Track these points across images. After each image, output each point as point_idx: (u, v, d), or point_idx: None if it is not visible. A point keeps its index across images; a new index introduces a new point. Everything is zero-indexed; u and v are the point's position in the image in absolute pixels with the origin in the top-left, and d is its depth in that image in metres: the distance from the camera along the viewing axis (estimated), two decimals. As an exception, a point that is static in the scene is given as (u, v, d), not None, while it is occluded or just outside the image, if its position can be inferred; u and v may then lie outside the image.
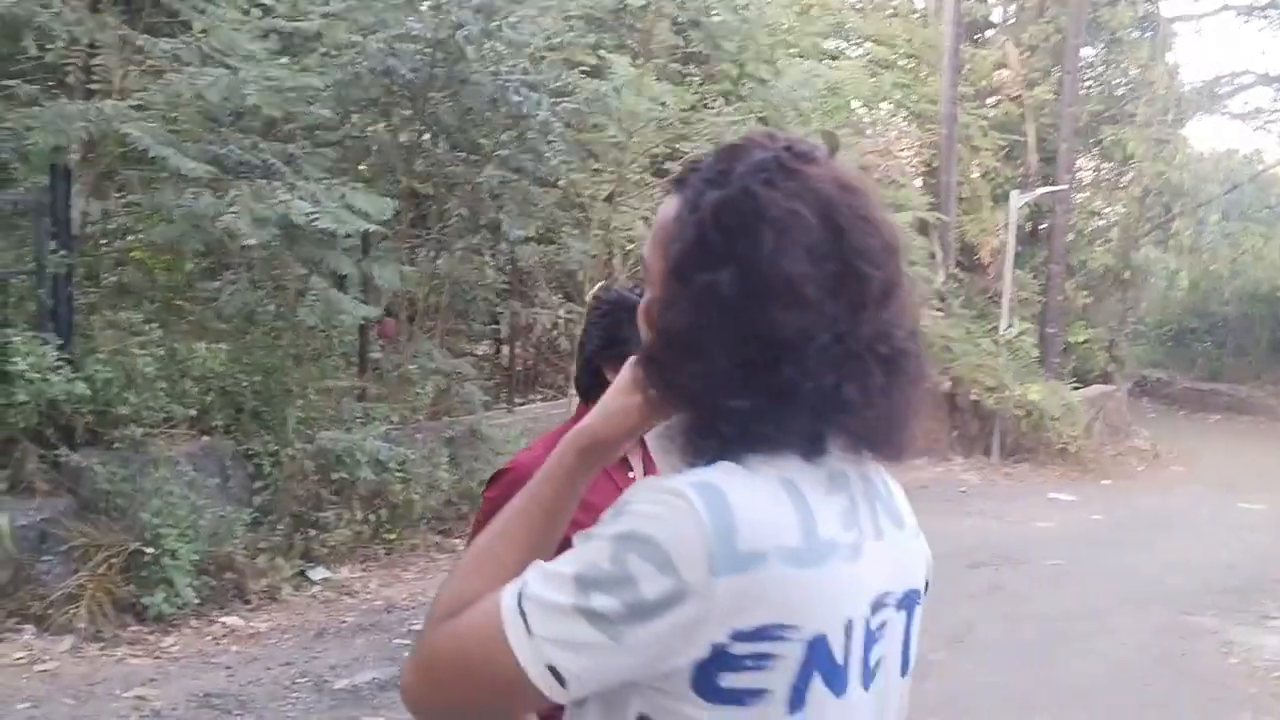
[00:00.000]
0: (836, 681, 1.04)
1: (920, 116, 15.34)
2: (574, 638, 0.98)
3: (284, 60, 6.95)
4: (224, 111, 6.68)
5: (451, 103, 7.30)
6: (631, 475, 2.23)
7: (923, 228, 13.60)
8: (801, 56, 12.57)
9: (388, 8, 6.92)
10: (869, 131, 14.00)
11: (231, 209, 5.73)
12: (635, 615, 0.97)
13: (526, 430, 7.71)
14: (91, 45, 6.60)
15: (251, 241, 6.12)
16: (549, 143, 7.57)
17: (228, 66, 6.53)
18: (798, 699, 1.01)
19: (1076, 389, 14.69)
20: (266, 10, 7.14)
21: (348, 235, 6.65)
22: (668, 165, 9.34)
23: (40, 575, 5.20)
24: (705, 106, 8.84)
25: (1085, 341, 17.25)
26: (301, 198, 5.99)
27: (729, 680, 0.99)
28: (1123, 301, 18.57)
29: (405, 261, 7.35)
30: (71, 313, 5.79)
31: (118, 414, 5.60)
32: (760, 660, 0.99)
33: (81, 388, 5.43)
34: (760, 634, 0.98)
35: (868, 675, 1.08)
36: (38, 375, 5.26)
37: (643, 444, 2.26)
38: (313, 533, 6.38)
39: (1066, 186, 15.84)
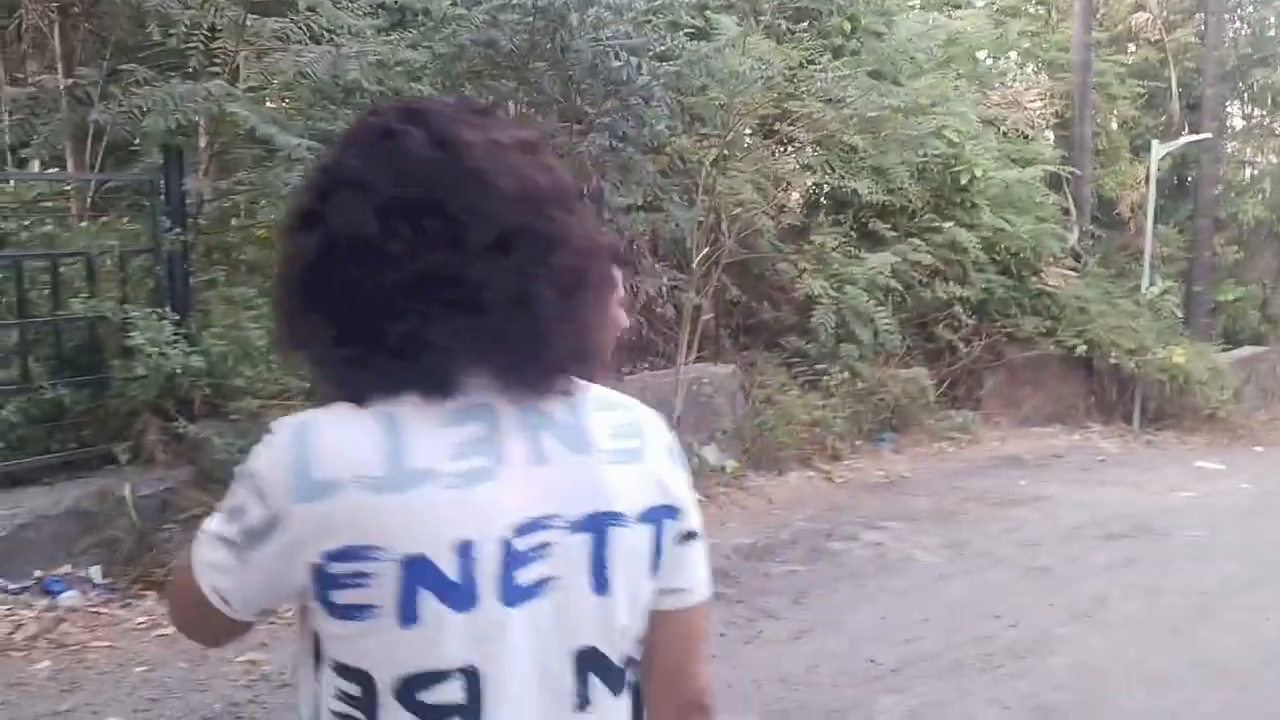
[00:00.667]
0: (456, 598, 1.13)
1: (1051, 65, 14.64)
2: (217, 562, 1.18)
3: (389, 36, 7.03)
4: (333, 89, 6.79)
5: (553, 71, 7.24)
6: None
7: (1055, 182, 13.01)
8: (921, 8, 12.15)
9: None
10: (995, 83, 13.42)
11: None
12: (250, 540, 1.15)
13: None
14: (212, 29, 6.79)
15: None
16: (652, 108, 7.45)
17: (334, 43, 6.63)
18: (408, 613, 1.13)
19: (1226, 350, 13.89)
20: (371, -14, 7.22)
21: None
22: (777, 126, 9.13)
23: (162, 543, 5.38)
24: (813, 63, 8.57)
25: (1236, 300, 16.27)
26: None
27: (338, 597, 1.13)
28: (1277, 257, 17.48)
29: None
30: (188, 289, 5.96)
31: (233, 386, 5.75)
32: (358, 578, 1.12)
33: (198, 361, 5.59)
34: (348, 554, 1.11)
35: (513, 592, 1.16)
36: (156, 350, 5.43)
37: None
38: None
39: (1212, 135, 14.94)
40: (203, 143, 6.81)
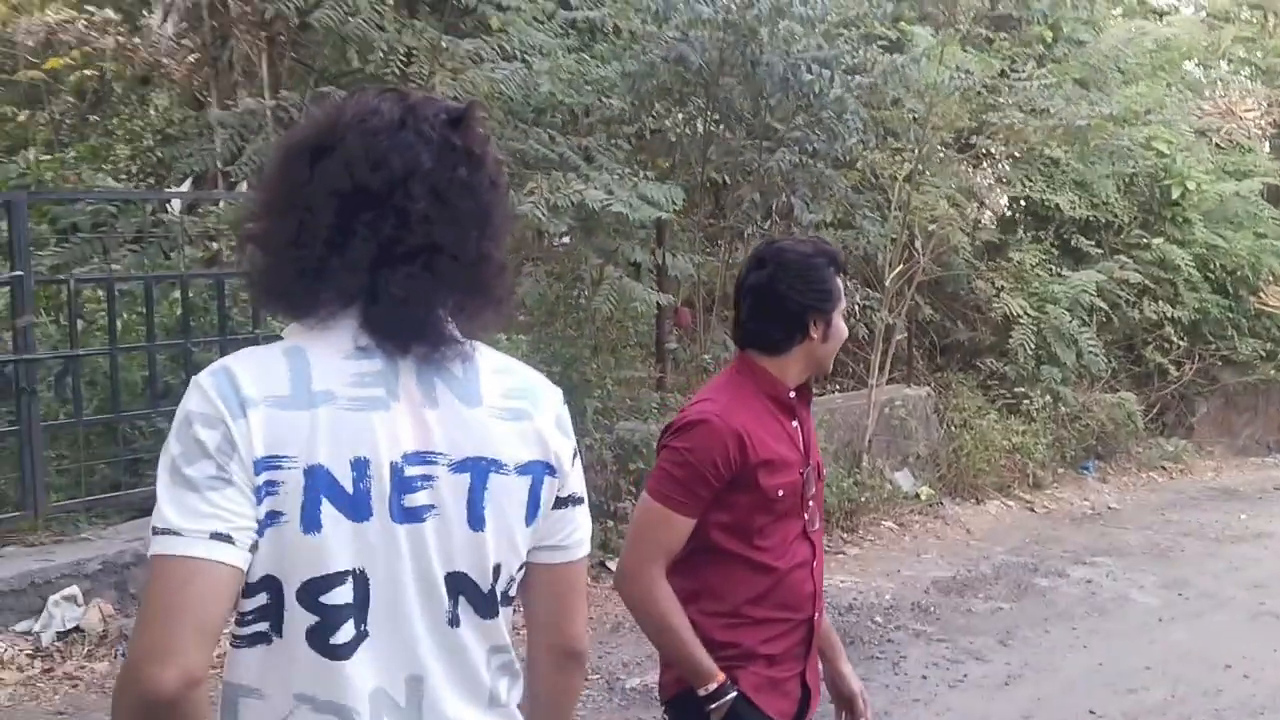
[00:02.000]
0: (351, 509, 1.29)
1: (1267, 73, 13.64)
2: (195, 507, 1.24)
3: (580, 54, 7.03)
4: (524, 108, 6.83)
5: (743, 86, 7.09)
6: (794, 425, 2.37)
7: (1275, 196, 12.07)
8: (1124, 15, 11.50)
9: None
10: (1206, 92, 12.56)
11: (530, 198, 5.78)
12: (223, 459, 1.26)
13: (823, 421, 7.39)
14: (408, 52, 6.93)
15: (561, 231, 6.19)
16: (843, 121, 7.21)
17: (525, 62, 6.66)
18: (312, 521, 1.27)
19: None
20: (563, 3, 7.24)
21: (642, 226, 6.59)
22: (973, 139, 8.74)
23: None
24: (1013, 72, 8.16)
25: None
26: (596, 187, 5.98)
27: (264, 506, 1.27)
28: None
29: (701, 251, 7.21)
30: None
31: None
32: (273, 486, 1.27)
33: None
34: (265, 463, 1.26)
35: (400, 512, 1.32)
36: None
37: (806, 403, 2.41)
38: (610, 524, 6.35)
39: None
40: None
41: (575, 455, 1.48)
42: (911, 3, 8.65)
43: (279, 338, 1.39)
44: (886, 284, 7.96)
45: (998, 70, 8.15)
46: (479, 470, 1.37)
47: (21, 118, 10.14)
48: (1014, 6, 8.98)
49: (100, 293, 5.67)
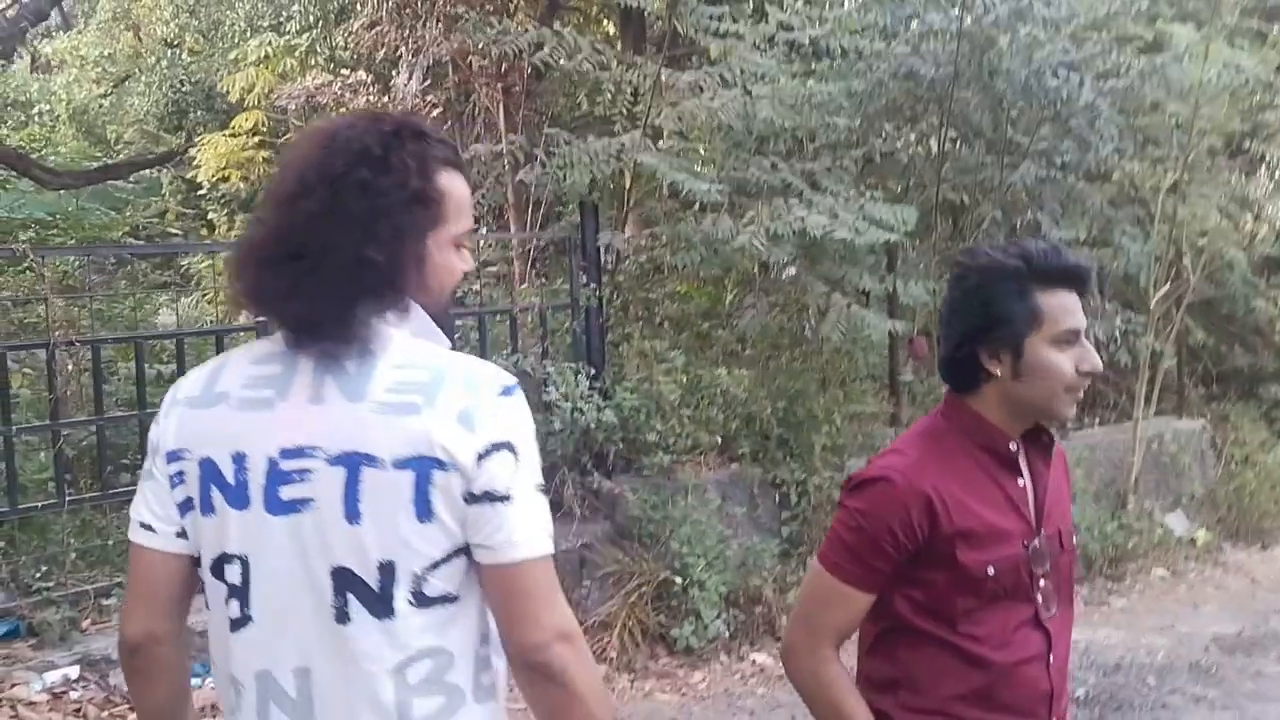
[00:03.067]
0: (234, 498, 1.45)
1: None
2: (138, 499, 1.53)
3: (800, 75, 6.79)
4: (746, 137, 6.65)
5: (981, 98, 6.64)
6: (1021, 483, 1.89)
7: None
8: None
9: (904, 5, 6.44)
10: None
11: (748, 228, 5.57)
12: (152, 456, 1.52)
13: (1081, 459, 6.75)
14: (635, 91, 6.90)
15: (785, 260, 5.95)
16: (1096, 130, 6.62)
17: (744, 88, 6.48)
18: (206, 505, 1.46)
19: None
20: (784, 26, 7.02)
21: (871, 251, 6.24)
22: (1247, 144, 7.88)
23: (580, 600, 5.32)
24: (1298, 65, 7.30)
25: None
26: (819, 212, 5.70)
27: (177, 493, 1.49)
28: None
29: (936, 277, 6.78)
30: (604, 343, 5.96)
31: (645, 441, 5.63)
32: (180, 476, 1.48)
33: (610, 416, 5.53)
34: (174, 455, 1.49)
35: (275, 504, 1.43)
36: (571, 404, 5.43)
37: (1043, 454, 1.92)
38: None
39: None
40: (602, 197, 6.91)
41: (495, 449, 1.40)
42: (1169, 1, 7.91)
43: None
44: (1151, 306, 7.25)
45: (1276, 65, 7.30)
46: (353, 465, 1.39)
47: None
48: (1292, -8, 8.07)
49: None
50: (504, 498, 1.41)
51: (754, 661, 5.32)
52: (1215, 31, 7.20)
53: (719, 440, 5.97)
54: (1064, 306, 1.83)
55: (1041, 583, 1.87)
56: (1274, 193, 8.75)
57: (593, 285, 5.83)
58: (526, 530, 1.42)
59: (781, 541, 5.89)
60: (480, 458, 1.39)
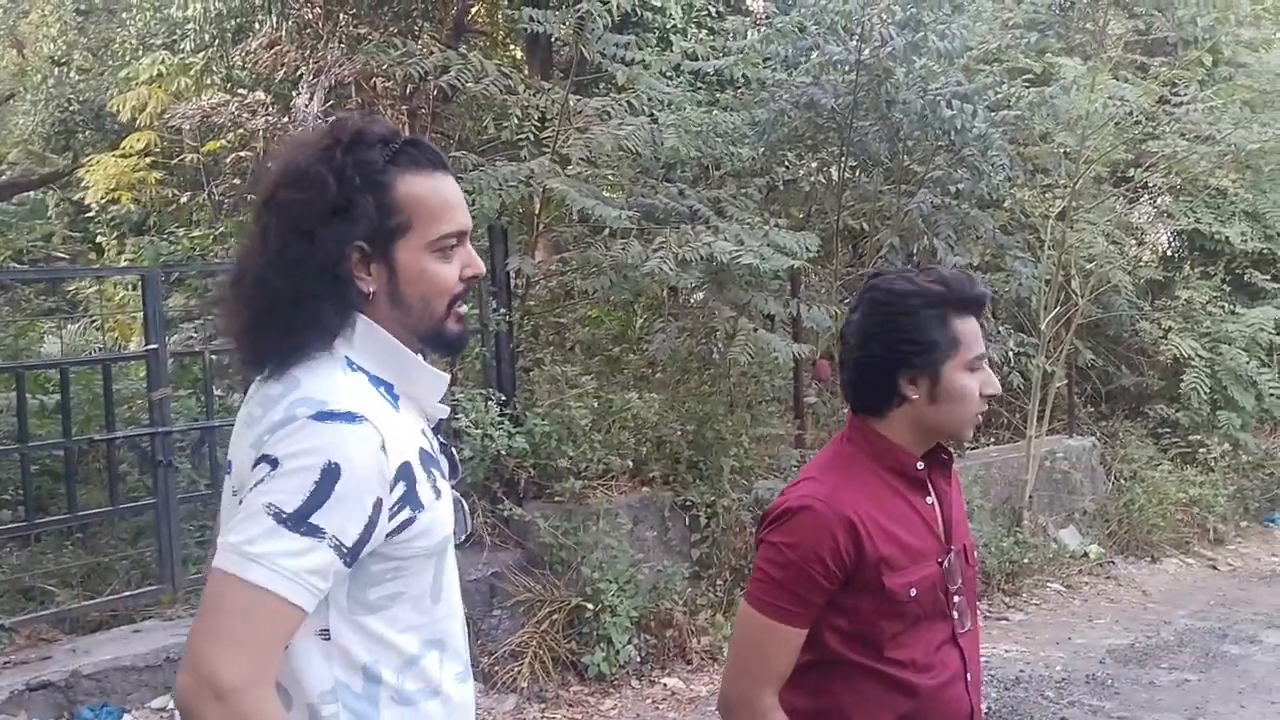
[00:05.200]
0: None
1: None
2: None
3: (706, 105, 6.89)
4: (653, 164, 6.71)
5: (879, 127, 6.82)
6: (929, 502, 1.92)
7: None
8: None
9: (805, 37, 6.59)
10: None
11: (657, 254, 5.62)
12: None
13: (978, 477, 6.94)
14: (541, 118, 6.90)
15: (692, 285, 5.98)
16: (989, 158, 6.85)
17: (651, 116, 6.56)
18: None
19: None
20: (690, 56, 7.13)
21: (775, 276, 6.34)
22: (1130, 172, 8.23)
23: (490, 630, 5.28)
24: (1174, 97, 7.64)
25: None
26: (725, 239, 5.78)
27: None
28: None
29: (838, 301, 6.91)
30: (514, 369, 5.94)
31: (558, 467, 5.63)
32: None
33: (521, 442, 5.51)
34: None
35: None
36: (481, 432, 5.40)
37: (943, 472, 1.96)
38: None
39: None
40: (510, 221, 6.91)
41: (262, 461, 1.39)
42: (1057, 33, 8.23)
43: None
44: (1042, 328, 7.49)
45: (1156, 97, 7.64)
46: (229, 469, 1.52)
47: (185, 199, 10.61)
48: (1170, 29, 8.45)
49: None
50: (240, 499, 1.41)
51: (665, 685, 5.34)
52: (1101, 64, 7.51)
53: (630, 464, 5.99)
54: (974, 333, 1.89)
55: (955, 599, 1.90)
56: (1156, 219, 9.13)
57: (502, 310, 5.82)
58: (231, 537, 1.36)
59: (692, 564, 5.94)
60: (253, 466, 1.40)
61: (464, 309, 1.59)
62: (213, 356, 5.32)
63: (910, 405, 1.88)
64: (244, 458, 1.44)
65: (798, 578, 1.80)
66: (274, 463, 1.37)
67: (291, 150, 1.51)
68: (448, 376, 1.62)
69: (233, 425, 1.54)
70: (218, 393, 5.50)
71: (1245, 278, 9.38)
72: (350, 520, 1.38)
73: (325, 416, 1.39)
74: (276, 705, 1.38)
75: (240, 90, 10.13)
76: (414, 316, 1.51)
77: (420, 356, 1.57)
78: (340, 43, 8.96)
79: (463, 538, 1.68)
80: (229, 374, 5.75)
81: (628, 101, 6.59)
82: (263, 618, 1.34)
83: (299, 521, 1.35)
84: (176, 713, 1.37)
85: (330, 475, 1.36)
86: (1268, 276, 9.40)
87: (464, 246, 1.55)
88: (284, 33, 9.17)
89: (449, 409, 1.68)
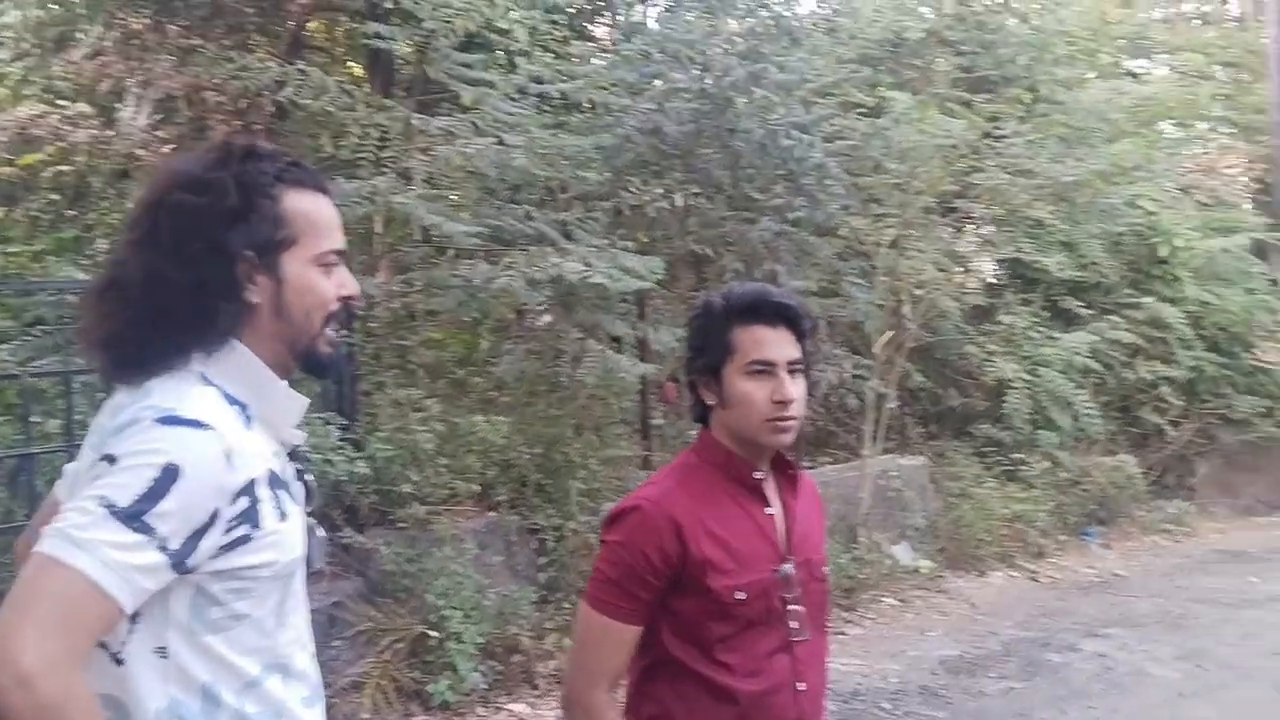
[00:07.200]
0: None
1: (1246, 129, 13.68)
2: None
3: (552, 128, 6.90)
4: (499, 184, 6.68)
5: (721, 155, 6.97)
6: (769, 511, 1.98)
7: (1260, 251, 11.98)
8: (1099, 78, 11.50)
9: (649, 64, 6.70)
10: (1185, 149, 12.55)
11: (506, 273, 5.59)
12: None
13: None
14: (382, 136, 6.78)
15: (540, 306, 5.96)
16: (825, 187, 7.08)
17: (497, 137, 6.53)
18: None
19: None
20: (536, 79, 7.13)
21: (623, 299, 6.39)
22: (956, 203, 8.63)
23: (329, 661, 5.11)
24: (996, 131, 8.08)
25: None
26: (574, 260, 5.80)
27: None
28: None
29: (684, 324, 7.01)
30: (355, 392, 5.81)
31: (401, 492, 5.52)
32: None
33: (363, 467, 5.38)
34: None
35: None
36: (321, 457, 5.24)
37: (786, 479, 2.02)
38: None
39: None
40: (375, 243, 6.77)
41: (104, 459, 1.37)
42: (888, 68, 8.59)
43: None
44: (876, 351, 7.77)
45: (980, 131, 8.05)
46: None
47: None
48: (991, 67, 8.93)
49: (60, 387, 5.41)
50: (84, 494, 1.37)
51: (511, 712, 5.27)
52: (929, 99, 7.88)
53: (477, 489, 5.92)
54: (755, 339, 1.93)
55: (790, 608, 1.95)
56: (980, 248, 9.60)
57: (344, 333, 5.67)
58: (57, 523, 1.31)
59: (539, 588, 5.89)
60: (90, 468, 1.40)
61: (335, 334, 1.58)
62: (31, 380, 5.01)
63: (716, 412, 1.98)
64: (86, 465, 1.44)
65: (628, 575, 1.88)
66: (112, 460, 1.34)
67: (178, 161, 1.52)
68: (306, 401, 1.59)
69: (51, 453, 1.54)
70: (35, 419, 5.19)
71: (1061, 304, 9.97)
72: (184, 524, 1.34)
73: (171, 420, 1.37)
74: (85, 692, 1.28)
75: (61, 102, 9.62)
76: (296, 329, 1.51)
77: (285, 382, 1.55)
78: (169, 54, 8.63)
79: (316, 567, 1.65)
80: (46, 399, 5.43)
81: (472, 122, 6.55)
82: (78, 605, 1.27)
83: (131, 517, 1.31)
84: None
85: (169, 475, 1.33)
86: (1082, 303, 10.00)
87: (341, 266, 1.57)
88: (109, 42, 8.77)
89: (305, 435, 1.65)
